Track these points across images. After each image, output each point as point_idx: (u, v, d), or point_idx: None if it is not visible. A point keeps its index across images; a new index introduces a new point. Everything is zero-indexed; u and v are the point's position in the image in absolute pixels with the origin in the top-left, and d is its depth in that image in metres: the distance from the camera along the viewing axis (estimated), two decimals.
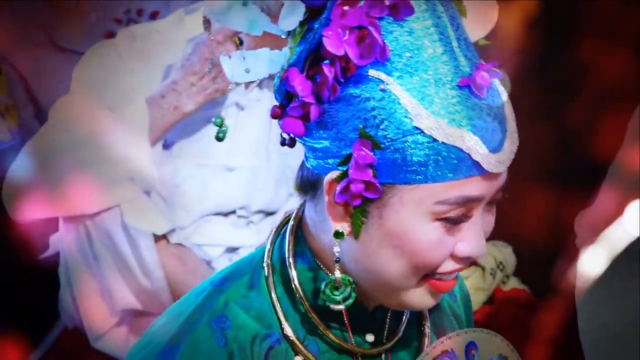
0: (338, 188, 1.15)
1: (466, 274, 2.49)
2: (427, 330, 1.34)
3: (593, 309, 1.92)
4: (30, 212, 2.31)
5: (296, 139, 1.22)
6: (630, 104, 2.16)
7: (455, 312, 1.39)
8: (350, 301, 1.22)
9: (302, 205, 1.27)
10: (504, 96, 1.20)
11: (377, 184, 1.15)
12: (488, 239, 2.75)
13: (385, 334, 1.31)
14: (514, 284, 2.65)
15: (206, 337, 1.23)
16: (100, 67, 2.32)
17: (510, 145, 1.18)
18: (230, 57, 1.26)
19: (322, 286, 1.23)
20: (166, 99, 2.17)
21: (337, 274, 1.21)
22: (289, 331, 1.25)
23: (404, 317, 1.33)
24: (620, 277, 1.92)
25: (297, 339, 1.25)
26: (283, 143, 1.24)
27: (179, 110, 2.15)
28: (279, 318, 1.26)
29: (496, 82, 1.18)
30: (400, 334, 1.32)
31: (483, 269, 2.54)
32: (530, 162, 2.72)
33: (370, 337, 1.29)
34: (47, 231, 2.46)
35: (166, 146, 2.30)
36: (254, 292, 1.28)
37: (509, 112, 1.20)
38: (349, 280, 1.22)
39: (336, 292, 1.22)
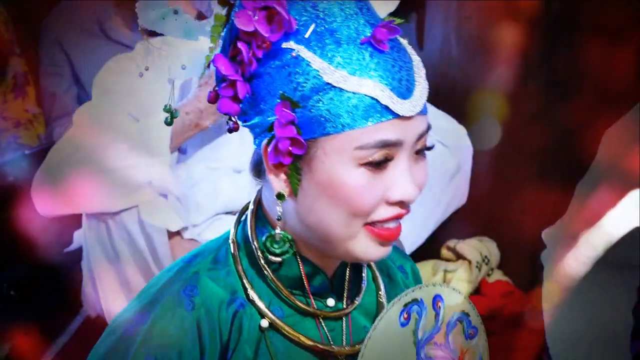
0: (269, 149, 1.22)
1: (453, 267, 2.56)
2: (383, 299, 1.39)
3: (562, 317, 1.94)
4: (56, 209, 2.33)
5: (239, 122, 1.29)
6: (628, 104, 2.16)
7: (407, 287, 1.42)
8: (287, 255, 1.28)
9: (260, 190, 1.33)
10: (412, 54, 1.26)
11: (301, 140, 1.20)
12: (474, 235, 2.74)
13: (345, 301, 1.36)
14: (498, 276, 2.69)
15: (175, 303, 1.26)
16: (119, 77, 2.33)
17: (421, 92, 1.23)
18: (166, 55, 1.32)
19: (263, 239, 1.29)
20: (189, 116, 2.20)
21: (278, 229, 1.27)
22: (254, 296, 1.29)
23: (362, 285, 1.38)
24: (590, 286, 1.93)
25: (263, 303, 1.29)
26: (230, 130, 1.30)
27: (199, 126, 2.20)
28: (244, 285, 1.29)
29: (403, 41, 1.25)
30: (358, 301, 1.37)
31: (470, 262, 2.58)
32: (522, 162, 2.77)
33: (330, 302, 1.34)
34: (71, 227, 2.50)
35: (182, 151, 2.34)
36: (220, 264, 1.31)
37: (417, 64, 1.25)
38: (287, 238, 1.28)
39: (275, 245, 1.28)
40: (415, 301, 1.27)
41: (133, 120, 2.30)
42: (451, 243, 2.72)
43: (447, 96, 2.85)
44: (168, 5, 1.34)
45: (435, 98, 2.76)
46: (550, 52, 2.71)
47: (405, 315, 1.26)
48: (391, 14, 1.31)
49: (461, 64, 2.85)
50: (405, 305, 1.25)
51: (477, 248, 2.66)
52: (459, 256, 2.68)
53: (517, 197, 2.79)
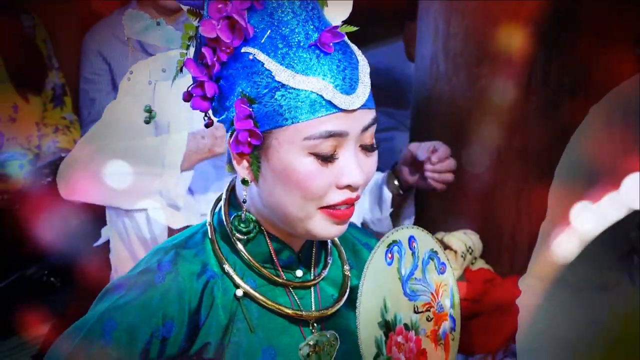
0: (231, 140, 1.27)
1: None
2: (347, 272, 1.43)
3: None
4: (77, 195, 2.41)
5: (213, 118, 1.34)
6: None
7: None
8: (252, 235, 1.34)
9: (233, 180, 1.38)
10: (359, 55, 1.30)
11: (258, 131, 1.25)
12: (459, 228, 2.69)
13: (312, 273, 1.40)
14: (480, 264, 2.71)
15: (147, 277, 1.32)
16: (137, 81, 2.31)
17: (364, 88, 1.28)
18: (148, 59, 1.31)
19: (231, 218, 1.34)
20: (205, 140, 2.20)
21: (244, 211, 1.33)
22: (229, 270, 1.33)
23: (328, 260, 1.43)
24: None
25: (237, 275, 1.34)
26: (206, 125, 1.35)
27: (212, 152, 2.21)
28: (220, 261, 1.34)
29: (352, 45, 1.30)
30: (325, 273, 1.41)
31: (455, 252, 2.63)
32: (507, 163, 2.74)
33: (299, 273, 1.39)
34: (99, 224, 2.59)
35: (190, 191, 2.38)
36: (194, 244, 1.36)
37: (362, 64, 1.29)
38: (252, 218, 1.34)
39: (242, 225, 1.33)
40: (395, 242, 1.32)
41: (155, 133, 2.32)
42: (439, 235, 2.72)
43: (435, 107, 2.85)
44: (151, 17, 1.38)
45: (426, 110, 2.85)
46: (534, 61, 2.66)
47: (390, 255, 1.31)
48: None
49: (447, 78, 2.81)
50: (388, 246, 1.31)
51: (462, 240, 2.68)
52: (446, 247, 2.67)
53: (500, 195, 2.78)
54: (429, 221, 2.82)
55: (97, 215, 2.66)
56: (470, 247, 2.69)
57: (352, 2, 1.32)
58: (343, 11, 1.32)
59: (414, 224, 2.63)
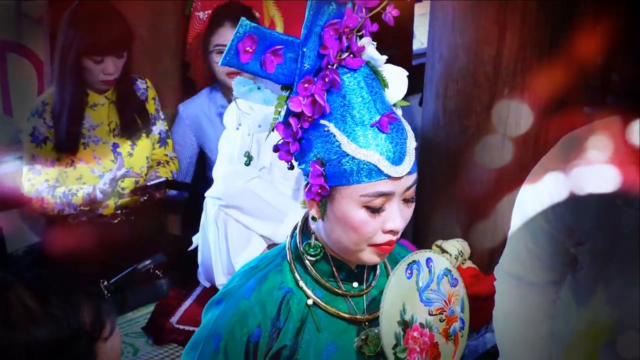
0: (306, 190, 1.36)
1: None
2: None
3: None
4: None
5: (295, 164, 1.41)
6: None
7: None
8: (319, 257, 1.42)
9: (307, 212, 1.45)
10: (408, 131, 1.36)
11: (326, 186, 1.33)
12: (453, 237, 3.15)
13: (365, 283, 1.48)
14: (469, 264, 3.03)
15: (238, 294, 1.41)
16: (244, 133, 2.44)
17: (410, 160, 1.35)
18: (248, 115, 1.40)
19: (304, 244, 1.43)
20: None
21: (313, 239, 1.42)
22: (303, 285, 1.42)
23: (377, 273, 1.49)
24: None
25: (308, 289, 1.43)
26: (289, 168, 1.42)
27: None
28: (295, 277, 1.42)
29: (404, 121, 1.37)
30: (374, 283, 1.49)
31: (450, 255, 2.90)
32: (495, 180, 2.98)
33: (355, 284, 1.47)
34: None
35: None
36: (274, 265, 1.44)
37: (410, 139, 1.36)
38: (318, 245, 1.42)
39: (311, 250, 1.42)
40: (414, 262, 1.42)
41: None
42: (438, 242, 3.02)
43: (435, 149, 3.15)
44: (255, 82, 1.44)
45: (429, 151, 3.19)
46: (507, 116, 2.91)
47: (409, 272, 1.41)
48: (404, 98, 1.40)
49: (446, 128, 3.11)
50: (408, 264, 1.41)
51: (455, 246, 2.97)
52: (444, 251, 2.91)
53: (482, 213, 3.05)
54: (431, 231, 3.17)
55: (188, 226, 3.15)
56: (461, 251, 2.98)
57: (407, 84, 1.41)
58: (400, 90, 1.42)
59: (418, 235, 3.06)
